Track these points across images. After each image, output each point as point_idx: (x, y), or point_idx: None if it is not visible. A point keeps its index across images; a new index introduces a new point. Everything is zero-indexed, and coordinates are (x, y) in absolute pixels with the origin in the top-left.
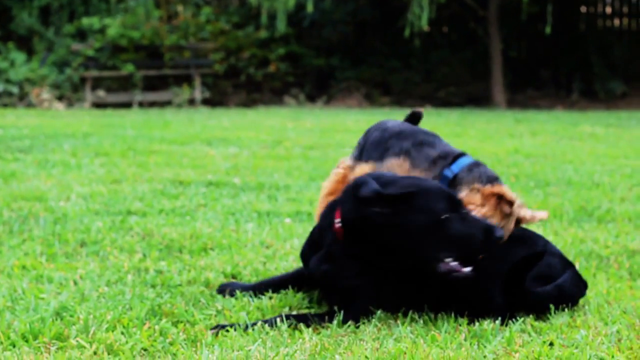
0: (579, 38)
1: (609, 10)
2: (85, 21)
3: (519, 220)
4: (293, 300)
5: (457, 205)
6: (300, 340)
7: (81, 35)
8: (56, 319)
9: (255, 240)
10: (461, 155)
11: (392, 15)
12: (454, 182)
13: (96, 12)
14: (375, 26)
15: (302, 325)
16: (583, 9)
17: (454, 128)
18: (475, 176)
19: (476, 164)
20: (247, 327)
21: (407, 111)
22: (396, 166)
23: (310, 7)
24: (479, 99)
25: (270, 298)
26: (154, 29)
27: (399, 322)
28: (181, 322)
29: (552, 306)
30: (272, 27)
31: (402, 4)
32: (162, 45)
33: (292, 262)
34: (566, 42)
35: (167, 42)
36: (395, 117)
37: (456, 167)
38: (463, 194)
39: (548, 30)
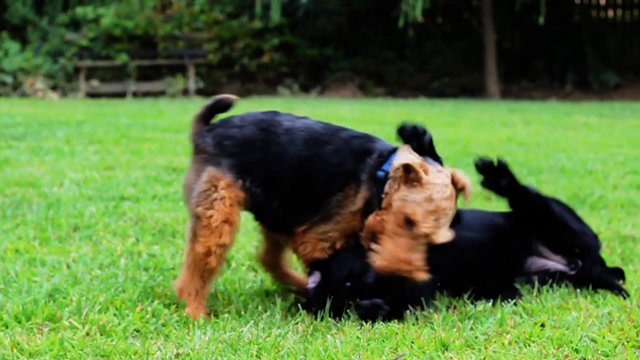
0: (573, 29)
1: (603, 1)
2: (79, 11)
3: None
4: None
5: None
6: (293, 321)
7: (75, 24)
8: (49, 301)
9: (247, 225)
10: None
11: (386, 6)
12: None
13: (90, 1)
14: (369, 16)
15: (296, 307)
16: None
17: (447, 118)
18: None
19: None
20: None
21: (399, 102)
22: None
23: None
24: (472, 90)
25: (263, 281)
26: (148, 19)
27: None
28: (173, 304)
29: (544, 288)
30: (266, 17)
31: None
32: (156, 35)
33: None
34: (560, 33)
35: (161, 32)
36: (389, 107)
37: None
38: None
39: (542, 20)
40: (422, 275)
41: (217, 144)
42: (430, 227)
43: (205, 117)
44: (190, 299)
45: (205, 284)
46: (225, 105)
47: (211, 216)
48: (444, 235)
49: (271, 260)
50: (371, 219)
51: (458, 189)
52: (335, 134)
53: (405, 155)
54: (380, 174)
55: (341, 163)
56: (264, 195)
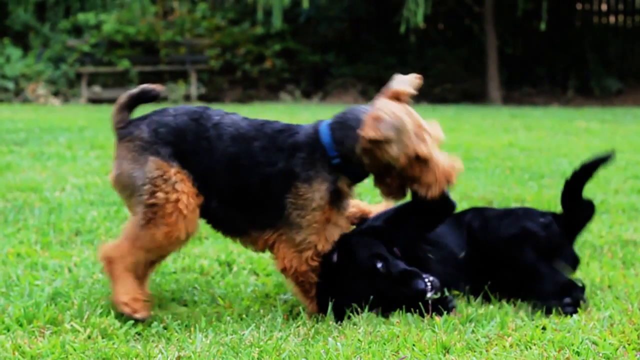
0: (574, 35)
1: (604, 7)
2: (81, 17)
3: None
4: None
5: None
6: (294, 325)
7: (77, 31)
8: (50, 304)
9: None
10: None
11: (387, 12)
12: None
13: (92, 7)
14: (370, 23)
15: (298, 309)
16: (579, 6)
17: (449, 123)
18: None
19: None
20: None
21: None
22: None
23: (305, 4)
24: (474, 96)
25: (264, 284)
26: (149, 25)
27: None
28: (176, 307)
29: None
30: (268, 24)
31: (398, 0)
32: (158, 41)
33: None
34: (562, 39)
35: (163, 38)
36: None
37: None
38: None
39: (543, 26)
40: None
41: (152, 131)
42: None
43: (129, 105)
44: (124, 277)
45: (149, 265)
46: (152, 97)
47: (178, 200)
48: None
49: None
50: (389, 182)
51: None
52: (260, 129)
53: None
54: (336, 161)
55: (272, 162)
56: (203, 190)
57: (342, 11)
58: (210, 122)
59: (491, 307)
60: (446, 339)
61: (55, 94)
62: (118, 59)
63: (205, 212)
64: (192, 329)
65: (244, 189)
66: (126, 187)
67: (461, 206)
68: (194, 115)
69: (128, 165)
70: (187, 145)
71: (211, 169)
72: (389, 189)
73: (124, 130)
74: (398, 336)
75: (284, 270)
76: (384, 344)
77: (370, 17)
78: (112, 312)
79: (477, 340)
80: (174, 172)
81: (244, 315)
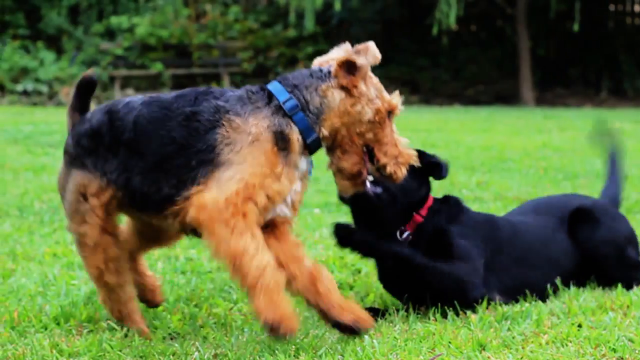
0: (607, 36)
1: (637, 8)
2: (114, 20)
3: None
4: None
5: None
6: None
7: (110, 34)
8: (87, 303)
9: None
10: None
11: (420, 14)
12: None
13: (125, 11)
14: (403, 25)
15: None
16: (611, 7)
17: (482, 124)
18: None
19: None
20: None
21: (434, 109)
22: None
23: (338, 6)
24: (507, 97)
25: None
26: (182, 28)
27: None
28: (212, 306)
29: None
30: (301, 26)
31: (430, 2)
32: (191, 44)
33: (320, 250)
34: (594, 40)
35: (196, 41)
36: (424, 115)
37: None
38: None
39: (576, 27)
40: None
41: (76, 143)
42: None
43: (78, 106)
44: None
45: (121, 295)
46: (88, 83)
47: (85, 233)
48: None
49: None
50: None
51: None
52: (181, 94)
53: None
54: (290, 103)
55: (190, 103)
56: (127, 175)
57: (374, 13)
58: (121, 105)
59: (526, 304)
60: (482, 337)
61: None
62: (151, 62)
63: (134, 197)
64: (228, 327)
65: (169, 144)
66: (61, 190)
67: (495, 207)
68: (106, 108)
69: (62, 179)
70: (105, 139)
71: (130, 141)
72: (346, 162)
73: (68, 139)
74: (434, 333)
75: (196, 220)
76: (420, 341)
77: (403, 19)
78: (149, 311)
79: (513, 337)
80: (92, 190)
81: None
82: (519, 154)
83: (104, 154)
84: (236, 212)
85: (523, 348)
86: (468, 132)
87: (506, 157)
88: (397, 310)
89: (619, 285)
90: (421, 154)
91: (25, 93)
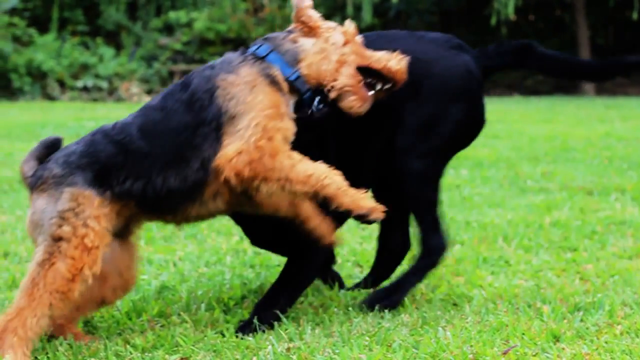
0: None
1: None
2: (172, 15)
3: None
4: None
5: None
6: (401, 316)
7: (168, 29)
8: (158, 298)
9: (350, 223)
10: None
11: (478, 4)
12: None
13: (182, 6)
14: (461, 15)
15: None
16: None
17: (544, 114)
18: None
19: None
20: None
21: (494, 100)
22: None
23: None
24: (567, 87)
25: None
26: (240, 22)
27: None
28: None
29: None
30: (358, 18)
31: None
32: (249, 38)
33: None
34: None
35: (254, 35)
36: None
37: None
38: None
39: (635, 16)
40: None
41: (63, 163)
42: None
43: (40, 155)
44: (15, 338)
45: (46, 317)
46: (54, 143)
47: (85, 235)
48: None
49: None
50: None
51: None
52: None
53: None
54: (265, 47)
55: (182, 91)
56: (135, 178)
57: (432, 4)
58: (109, 126)
59: (598, 295)
60: (555, 328)
61: (149, 92)
62: (210, 57)
63: (154, 200)
64: (300, 320)
65: (182, 130)
66: (31, 232)
67: (562, 197)
68: (93, 131)
69: (41, 208)
70: (103, 153)
71: (142, 146)
72: (343, 76)
73: (33, 178)
74: (507, 325)
75: (233, 173)
76: (493, 333)
77: (461, 9)
78: (219, 306)
79: (587, 328)
80: (95, 203)
81: (349, 307)
82: (582, 143)
83: (103, 167)
84: (265, 149)
85: (598, 339)
86: (530, 122)
87: (570, 147)
88: (469, 302)
89: None
90: None
91: (85, 89)
